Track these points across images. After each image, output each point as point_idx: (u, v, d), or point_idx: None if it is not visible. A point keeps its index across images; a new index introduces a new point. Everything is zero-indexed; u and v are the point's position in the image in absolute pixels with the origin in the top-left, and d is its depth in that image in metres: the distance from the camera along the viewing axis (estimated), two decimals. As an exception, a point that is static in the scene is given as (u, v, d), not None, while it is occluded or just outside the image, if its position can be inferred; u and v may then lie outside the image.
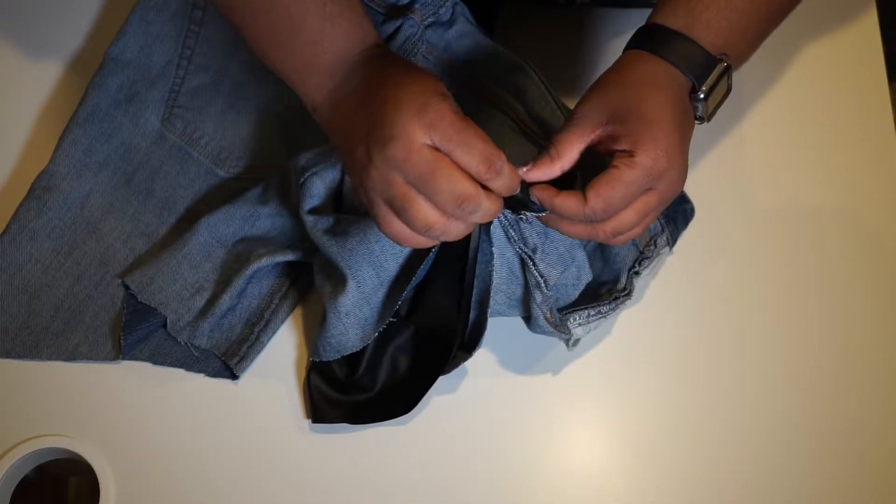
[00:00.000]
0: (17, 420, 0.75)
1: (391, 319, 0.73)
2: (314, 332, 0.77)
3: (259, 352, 0.76)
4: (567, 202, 0.64)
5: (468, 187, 0.60)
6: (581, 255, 0.73)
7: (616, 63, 0.68)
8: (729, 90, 0.69)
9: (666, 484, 0.74)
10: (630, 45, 0.69)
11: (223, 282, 0.76)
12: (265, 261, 0.76)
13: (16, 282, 0.77)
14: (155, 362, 0.76)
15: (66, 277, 0.78)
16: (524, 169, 0.65)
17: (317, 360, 0.74)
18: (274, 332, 0.77)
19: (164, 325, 0.76)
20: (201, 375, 0.76)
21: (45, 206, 0.79)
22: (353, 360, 0.75)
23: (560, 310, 0.74)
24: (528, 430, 0.75)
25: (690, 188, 0.79)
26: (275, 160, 0.82)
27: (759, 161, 0.83)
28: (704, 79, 0.66)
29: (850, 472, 0.74)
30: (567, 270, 0.73)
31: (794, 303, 0.78)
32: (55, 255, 0.78)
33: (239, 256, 0.77)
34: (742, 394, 0.76)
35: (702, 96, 0.67)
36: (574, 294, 0.74)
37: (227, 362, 0.75)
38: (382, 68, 0.65)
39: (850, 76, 0.85)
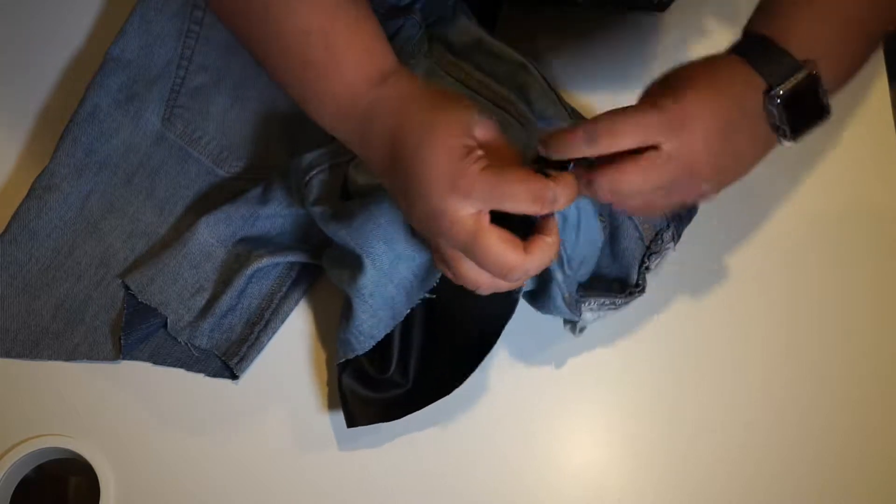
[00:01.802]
0: (17, 420, 0.75)
1: (427, 296, 0.71)
2: (317, 330, 0.77)
3: (259, 352, 0.76)
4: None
5: (511, 258, 0.59)
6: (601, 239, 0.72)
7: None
8: (824, 111, 0.62)
9: (666, 484, 0.74)
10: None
11: (223, 282, 0.76)
12: (265, 261, 0.76)
13: (16, 282, 0.77)
14: (155, 362, 0.76)
15: (66, 277, 0.78)
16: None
17: (350, 355, 0.73)
18: (274, 332, 0.77)
19: (165, 326, 0.76)
20: (201, 375, 0.76)
21: (45, 205, 0.79)
22: (383, 355, 0.74)
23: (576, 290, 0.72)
24: (528, 430, 0.75)
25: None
26: (275, 160, 0.82)
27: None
28: (782, 81, 0.61)
29: (850, 473, 0.74)
30: (590, 257, 0.71)
31: (794, 303, 0.78)
32: (55, 255, 0.78)
33: (239, 256, 0.77)
34: (742, 394, 0.76)
35: (777, 101, 0.60)
36: (585, 274, 0.73)
37: (227, 362, 0.75)
38: (402, 118, 0.62)
39: (849, 76, 0.85)
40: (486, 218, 0.59)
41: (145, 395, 0.76)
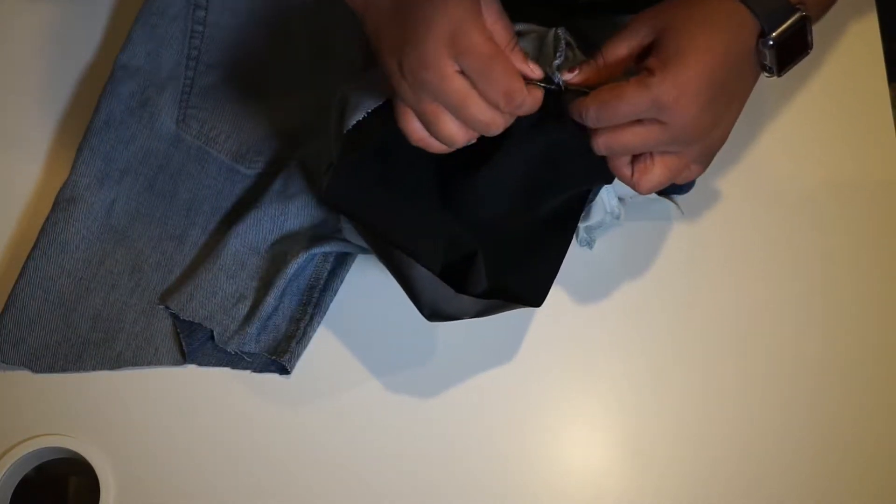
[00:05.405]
0: (17, 420, 0.75)
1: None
2: (331, 329, 0.77)
3: (306, 346, 0.77)
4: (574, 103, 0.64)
5: (496, 115, 0.61)
6: None
7: None
8: (808, 48, 0.65)
9: (666, 484, 0.73)
10: None
11: (263, 286, 0.77)
12: (302, 257, 0.76)
13: (51, 297, 0.77)
14: (199, 363, 0.77)
15: (100, 287, 0.78)
16: (569, 75, 0.65)
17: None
18: (318, 325, 0.77)
19: (212, 337, 0.76)
20: (200, 376, 0.76)
21: (70, 217, 0.79)
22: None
23: None
24: (528, 430, 0.75)
25: (690, 188, 0.79)
26: (294, 152, 0.81)
27: (759, 161, 0.83)
28: (777, 26, 0.63)
29: (852, 473, 0.73)
30: None
31: (796, 302, 0.78)
32: (87, 266, 0.78)
33: (275, 259, 0.77)
34: (743, 392, 0.75)
35: (770, 43, 0.62)
36: None
37: (278, 359, 0.75)
38: None
39: (850, 76, 0.85)
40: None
41: (145, 395, 0.76)
